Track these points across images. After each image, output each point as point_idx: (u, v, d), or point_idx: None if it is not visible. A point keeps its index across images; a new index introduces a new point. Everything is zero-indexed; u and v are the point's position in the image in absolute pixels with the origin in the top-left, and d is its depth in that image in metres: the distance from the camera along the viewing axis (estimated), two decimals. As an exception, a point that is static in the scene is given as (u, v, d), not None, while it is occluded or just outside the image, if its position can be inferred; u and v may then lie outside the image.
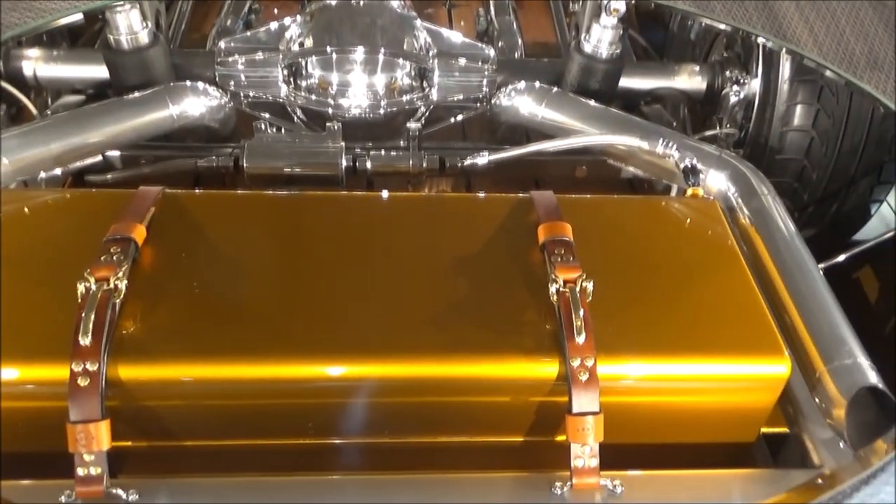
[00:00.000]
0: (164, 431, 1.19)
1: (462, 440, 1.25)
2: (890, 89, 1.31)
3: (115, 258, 1.21)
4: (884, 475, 0.90)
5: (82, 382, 1.10)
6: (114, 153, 1.88)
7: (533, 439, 1.24)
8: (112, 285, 1.17)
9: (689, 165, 1.56)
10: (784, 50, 1.76)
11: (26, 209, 1.37)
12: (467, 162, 1.81)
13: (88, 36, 2.38)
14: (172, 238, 1.33)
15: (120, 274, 1.19)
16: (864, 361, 1.23)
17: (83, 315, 1.12)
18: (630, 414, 1.23)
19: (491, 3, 2.58)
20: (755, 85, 1.97)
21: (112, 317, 1.15)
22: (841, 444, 1.22)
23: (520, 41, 2.37)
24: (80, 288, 1.16)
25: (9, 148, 1.58)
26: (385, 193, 1.47)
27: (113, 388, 1.12)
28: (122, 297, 1.18)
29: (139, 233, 1.27)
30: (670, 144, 1.60)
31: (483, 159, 1.80)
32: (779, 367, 1.20)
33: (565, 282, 1.22)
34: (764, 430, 1.30)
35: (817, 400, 1.25)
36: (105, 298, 1.15)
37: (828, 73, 1.50)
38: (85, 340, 1.11)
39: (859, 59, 1.36)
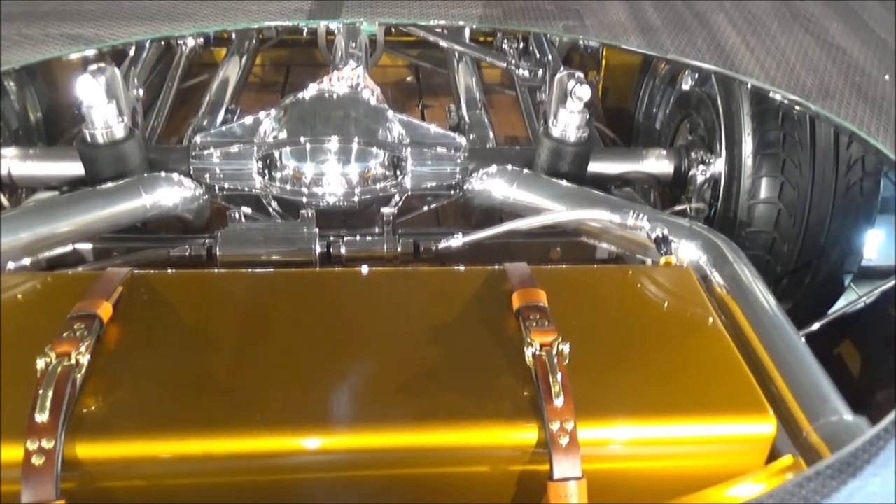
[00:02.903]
0: (124, 515, 1.12)
1: (440, 516, 1.19)
2: (844, 115, 1.36)
3: (77, 333, 1.18)
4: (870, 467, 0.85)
5: (37, 461, 1.04)
6: (85, 246, 1.86)
7: (514, 512, 1.18)
8: (73, 360, 1.14)
9: (661, 235, 1.57)
10: (746, 124, 1.82)
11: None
12: (442, 245, 1.81)
13: (66, 138, 2.42)
14: (139, 316, 1.30)
15: (82, 349, 1.15)
16: (850, 418, 1.20)
17: (40, 391, 1.08)
18: (614, 481, 1.18)
19: (462, 99, 2.66)
20: (720, 164, 2.02)
21: (72, 393, 1.11)
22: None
23: (491, 133, 2.43)
24: (40, 363, 1.12)
25: (-24, 237, 1.56)
26: (355, 269, 1.46)
27: (71, 468, 1.06)
28: (83, 372, 1.14)
29: (105, 310, 1.25)
30: (640, 216, 1.61)
31: (457, 241, 1.80)
32: (764, 427, 1.17)
33: (541, 345, 1.20)
34: (754, 498, 1.25)
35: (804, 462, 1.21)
36: (65, 373, 1.11)
37: (779, 97, 1.55)
38: (41, 417, 1.06)
39: (811, 89, 1.41)
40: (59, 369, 1.11)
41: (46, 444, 1.05)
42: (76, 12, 1.75)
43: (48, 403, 1.07)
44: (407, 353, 1.26)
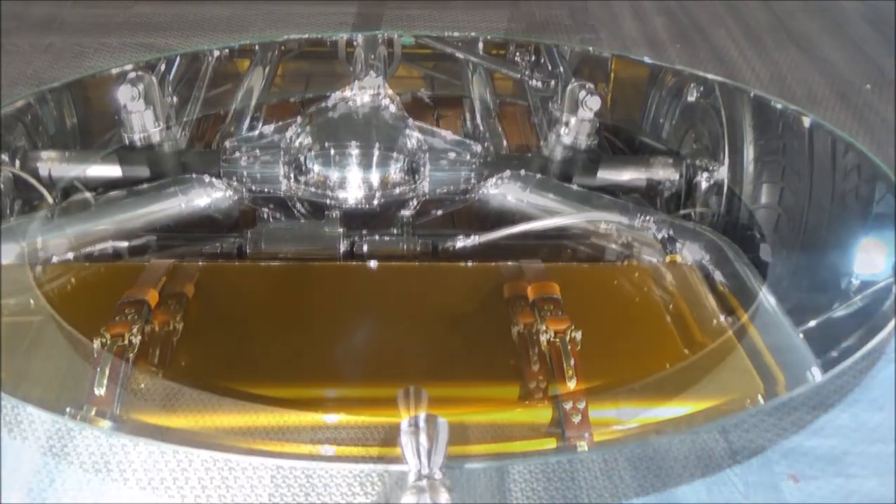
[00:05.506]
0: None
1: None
2: (828, 119, 1.48)
3: (129, 317, 1.29)
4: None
5: (96, 430, 1.15)
6: (121, 244, 1.97)
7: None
8: (126, 341, 1.25)
9: (667, 236, 1.67)
10: (748, 133, 1.93)
11: (56, 279, 1.46)
12: (458, 245, 1.91)
13: (100, 143, 2.53)
14: (181, 302, 1.41)
15: (134, 331, 1.26)
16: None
17: (98, 368, 1.19)
18: (622, 458, 1.27)
19: (476, 109, 2.76)
20: (723, 171, 2.12)
21: (126, 370, 1.22)
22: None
23: (504, 142, 2.53)
24: (96, 344, 1.23)
25: (26, 232, 1.67)
26: (384, 263, 1.56)
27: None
28: (135, 351, 1.25)
29: (152, 296, 1.36)
30: (647, 218, 1.71)
31: (474, 241, 1.90)
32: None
33: (555, 332, 1.30)
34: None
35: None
36: (119, 353, 1.22)
37: (777, 105, 1.67)
38: (100, 391, 1.17)
39: (800, 98, 1.54)
40: (115, 349, 1.22)
41: (105, 415, 1.16)
42: (148, 23, 1.90)
43: (105, 380, 1.18)
44: (431, 338, 1.36)
